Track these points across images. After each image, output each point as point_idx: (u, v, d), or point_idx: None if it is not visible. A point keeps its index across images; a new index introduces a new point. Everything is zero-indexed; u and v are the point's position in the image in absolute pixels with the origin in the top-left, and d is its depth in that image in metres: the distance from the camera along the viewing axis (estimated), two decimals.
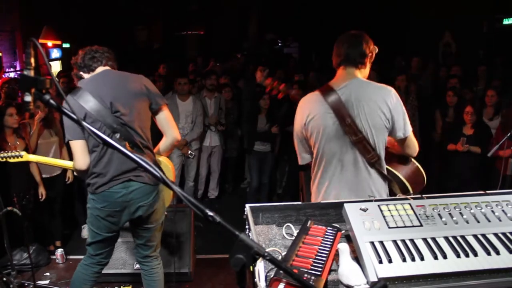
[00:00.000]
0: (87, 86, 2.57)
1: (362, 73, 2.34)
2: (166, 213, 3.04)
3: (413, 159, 2.52)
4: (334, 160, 2.30)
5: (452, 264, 1.42)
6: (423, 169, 2.52)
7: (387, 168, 2.39)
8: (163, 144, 2.83)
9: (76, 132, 2.53)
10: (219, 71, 7.52)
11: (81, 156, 2.57)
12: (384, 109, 2.20)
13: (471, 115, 4.79)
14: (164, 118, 2.76)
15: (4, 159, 3.03)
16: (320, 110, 2.28)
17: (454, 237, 1.53)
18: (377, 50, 2.41)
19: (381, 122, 2.22)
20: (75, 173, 2.76)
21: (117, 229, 2.76)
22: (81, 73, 2.72)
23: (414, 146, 2.36)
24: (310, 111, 2.32)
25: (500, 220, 1.59)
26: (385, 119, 2.22)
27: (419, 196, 1.79)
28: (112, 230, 2.72)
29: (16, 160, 3.07)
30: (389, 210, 1.62)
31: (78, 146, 2.56)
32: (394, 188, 2.38)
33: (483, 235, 1.54)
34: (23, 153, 3.08)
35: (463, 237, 1.53)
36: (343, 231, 1.65)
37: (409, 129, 2.28)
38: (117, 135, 2.46)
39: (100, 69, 2.70)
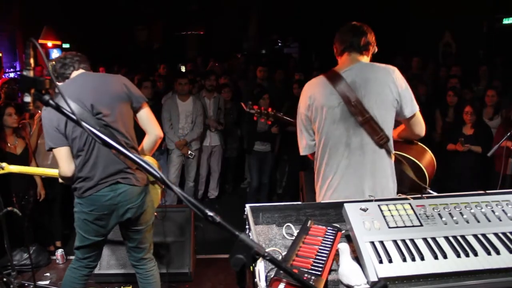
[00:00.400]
0: (65, 90, 2.52)
1: (365, 59, 2.35)
2: (155, 213, 3.03)
3: (418, 142, 2.52)
4: (341, 144, 2.25)
5: (452, 264, 1.42)
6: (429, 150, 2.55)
7: (397, 153, 2.37)
8: (146, 143, 2.79)
9: (58, 139, 2.51)
10: (218, 71, 7.52)
11: (65, 163, 2.56)
12: (392, 87, 2.21)
13: (471, 115, 4.79)
14: (146, 116, 2.73)
15: None
16: (325, 92, 2.25)
17: (454, 237, 1.53)
18: (376, 50, 2.41)
19: (390, 101, 2.21)
20: (60, 180, 2.73)
21: (106, 232, 2.74)
22: (57, 83, 2.70)
23: (421, 124, 2.36)
24: (314, 93, 2.30)
25: (500, 220, 1.59)
26: (393, 98, 2.21)
27: (419, 196, 1.79)
28: (100, 233, 2.70)
29: None
30: (389, 210, 1.62)
31: (62, 153, 2.54)
32: (407, 171, 2.37)
33: (483, 235, 1.54)
34: (4, 164, 3.08)
35: (463, 237, 1.53)
36: (343, 231, 1.65)
37: (416, 106, 2.28)
38: None
39: (74, 73, 2.67)
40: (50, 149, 2.56)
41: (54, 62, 2.71)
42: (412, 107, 2.27)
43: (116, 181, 2.60)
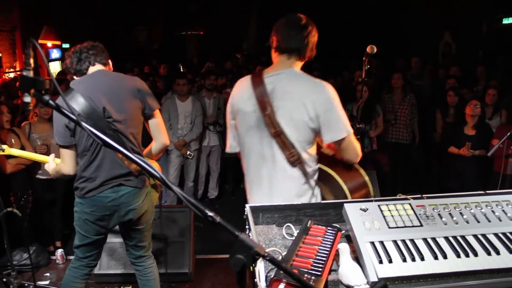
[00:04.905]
0: (79, 87, 2.51)
1: (298, 66, 2.14)
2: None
3: (359, 169, 2.23)
4: (254, 153, 2.14)
5: (452, 264, 1.42)
6: (370, 182, 2.22)
7: (326, 172, 2.18)
8: (152, 149, 2.82)
9: (65, 137, 2.50)
10: (216, 71, 7.51)
11: (68, 162, 2.56)
12: (309, 106, 1.99)
13: (475, 107, 4.65)
14: (156, 124, 2.74)
15: None
16: (244, 95, 2.13)
17: (454, 237, 1.53)
18: (375, 50, 2.41)
19: (303, 120, 2.00)
20: (51, 173, 2.72)
21: (106, 232, 2.74)
22: (75, 77, 2.68)
23: (353, 151, 2.10)
24: (236, 93, 2.21)
25: (500, 220, 1.59)
26: (308, 117, 2.00)
27: (419, 196, 1.79)
28: (100, 233, 2.71)
29: None
30: (389, 210, 1.62)
31: (67, 152, 2.55)
32: (325, 193, 2.20)
33: (483, 235, 1.54)
34: (5, 146, 3.09)
35: (463, 237, 1.53)
36: (343, 231, 1.65)
37: (344, 131, 2.02)
38: None
39: (91, 69, 2.64)
40: (57, 145, 2.57)
41: (70, 54, 2.64)
42: (335, 133, 2.01)
43: (119, 183, 2.59)
